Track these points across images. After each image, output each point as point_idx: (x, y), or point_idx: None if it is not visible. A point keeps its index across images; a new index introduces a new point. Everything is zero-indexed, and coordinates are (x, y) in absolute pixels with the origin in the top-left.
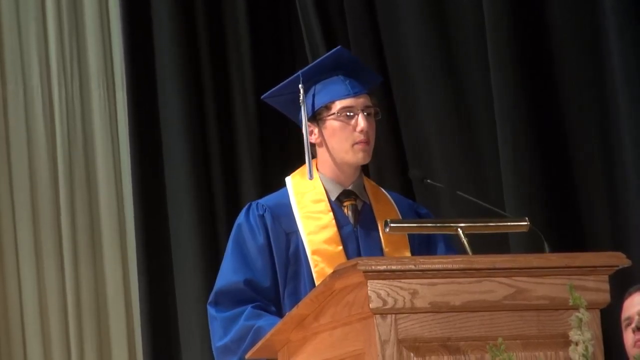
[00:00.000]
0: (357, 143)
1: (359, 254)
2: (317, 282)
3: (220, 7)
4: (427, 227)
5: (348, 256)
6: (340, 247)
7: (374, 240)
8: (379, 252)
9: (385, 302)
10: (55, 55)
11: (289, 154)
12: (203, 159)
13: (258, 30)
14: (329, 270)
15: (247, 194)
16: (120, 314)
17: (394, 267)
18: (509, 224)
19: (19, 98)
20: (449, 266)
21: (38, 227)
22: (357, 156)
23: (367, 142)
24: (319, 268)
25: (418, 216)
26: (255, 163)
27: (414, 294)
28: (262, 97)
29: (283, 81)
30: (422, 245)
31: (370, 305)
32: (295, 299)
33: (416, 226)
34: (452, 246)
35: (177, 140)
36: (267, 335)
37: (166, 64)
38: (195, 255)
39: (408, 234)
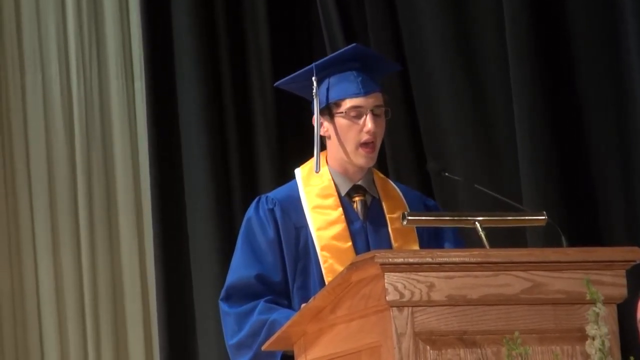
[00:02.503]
0: (362, 145)
1: (368, 250)
2: (326, 278)
3: None
4: (445, 220)
5: (357, 252)
6: (350, 243)
7: (383, 235)
8: (388, 247)
9: (402, 295)
10: (74, 44)
11: (307, 143)
12: (221, 149)
13: (276, 19)
14: (338, 267)
15: (264, 184)
16: (137, 303)
17: (411, 260)
18: (526, 217)
19: (38, 87)
20: (466, 259)
21: (55, 216)
22: (359, 161)
23: (372, 145)
24: (328, 264)
25: (426, 208)
26: (274, 153)
27: (431, 287)
28: (275, 84)
29: (299, 70)
30: (430, 242)
31: (387, 297)
32: (304, 293)
33: (433, 219)
34: (462, 242)
35: (195, 130)
36: (284, 327)
37: (185, 54)
38: (212, 244)
39: (417, 230)
